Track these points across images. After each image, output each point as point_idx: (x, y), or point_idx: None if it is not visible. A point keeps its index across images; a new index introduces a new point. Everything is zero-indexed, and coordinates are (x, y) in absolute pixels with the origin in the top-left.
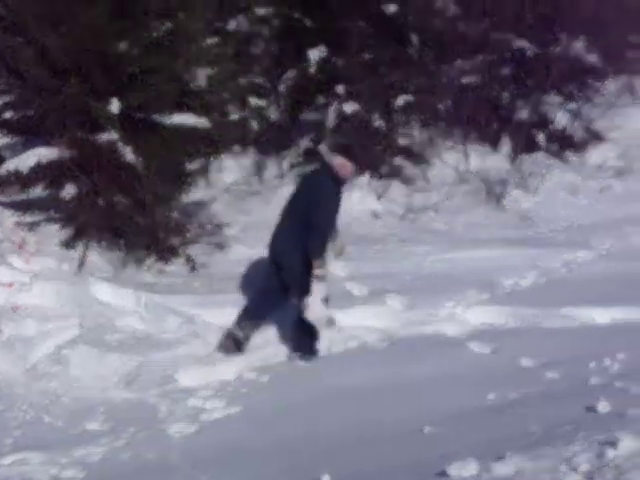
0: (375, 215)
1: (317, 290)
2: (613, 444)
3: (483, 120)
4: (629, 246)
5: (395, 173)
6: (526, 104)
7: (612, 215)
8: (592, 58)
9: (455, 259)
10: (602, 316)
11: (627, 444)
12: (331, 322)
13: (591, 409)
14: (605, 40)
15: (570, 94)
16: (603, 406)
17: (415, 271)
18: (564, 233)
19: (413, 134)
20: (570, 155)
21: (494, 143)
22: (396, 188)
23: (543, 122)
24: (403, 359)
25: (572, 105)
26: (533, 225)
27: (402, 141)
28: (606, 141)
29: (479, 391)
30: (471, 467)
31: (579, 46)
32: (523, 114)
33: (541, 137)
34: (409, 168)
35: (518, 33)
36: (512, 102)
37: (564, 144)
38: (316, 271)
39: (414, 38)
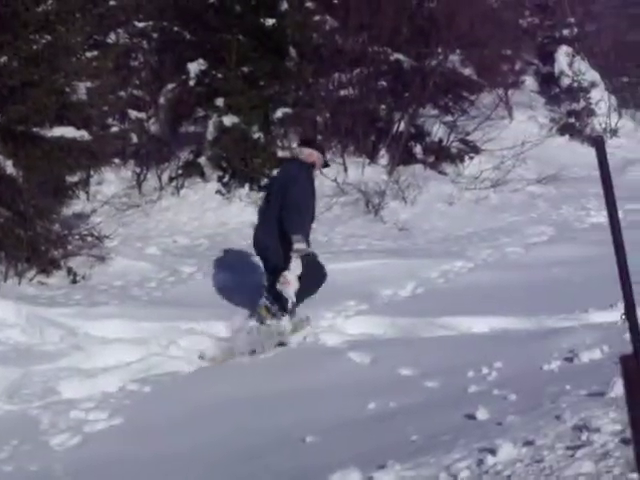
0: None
1: (295, 265)
2: (492, 451)
3: (361, 132)
4: (505, 256)
5: None
6: (403, 117)
7: (488, 225)
8: (467, 71)
9: (334, 270)
10: (479, 325)
11: (506, 451)
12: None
13: (470, 417)
14: (480, 54)
15: (446, 107)
16: (482, 414)
17: None
18: (441, 244)
19: (292, 146)
20: (446, 167)
21: (372, 155)
22: None
23: (420, 134)
24: (284, 369)
25: (448, 117)
26: (411, 236)
27: (281, 153)
28: (481, 153)
29: (360, 401)
30: (353, 476)
31: (455, 59)
32: (400, 126)
33: (418, 149)
34: None
35: (395, 46)
36: (389, 115)
37: (440, 156)
38: (295, 245)
39: (292, 51)
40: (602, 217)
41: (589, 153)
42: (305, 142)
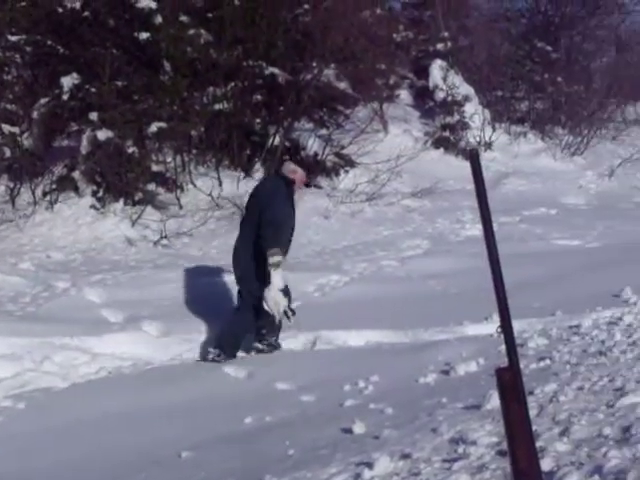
0: (129, 241)
1: (275, 280)
2: (369, 465)
3: (236, 146)
4: (380, 269)
5: (149, 199)
6: (278, 130)
7: (363, 239)
8: (342, 85)
9: (210, 284)
10: (355, 339)
11: (383, 464)
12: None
13: (347, 431)
14: (355, 68)
15: (321, 120)
16: (359, 427)
17: (171, 297)
18: (317, 258)
19: (166, 160)
20: (322, 180)
21: (247, 169)
22: (150, 214)
23: (295, 148)
24: (159, 384)
25: (323, 131)
26: None
27: (155, 167)
28: (357, 166)
29: (236, 415)
30: None
31: (330, 73)
32: (275, 140)
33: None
34: (163, 194)
35: (270, 60)
36: (264, 128)
37: (316, 170)
38: (270, 259)
39: (167, 65)
40: (477, 230)
41: (463, 166)
42: (290, 162)
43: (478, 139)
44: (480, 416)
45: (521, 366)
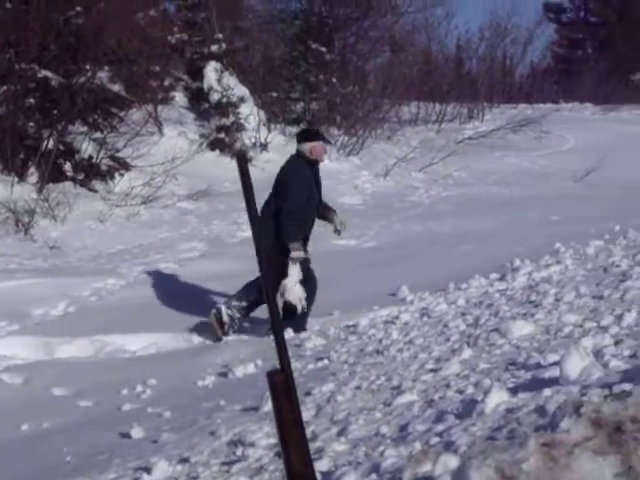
0: None
1: (293, 272)
2: (148, 470)
3: (9, 150)
4: (158, 272)
5: None
6: (52, 134)
7: (139, 242)
8: (116, 88)
9: None
10: (133, 343)
11: (161, 469)
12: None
13: (125, 435)
14: (129, 70)
15: (95, 123)
16: (137, 432)
17: None
18: (93, 261)
19: None
20: (97, 184)
21: (21, 173)
22: None
23: (69, 151)
24: None
25: (98, 134)
26: (62, 254)
27: None
28: (132, 169)
29: (12, 422)
30: None
31: (103, 76)
32: (49, 144)
33: (68, 166)
34: None
35: (43, 63)
36: (38, 132)
37: (90, 173)
38: (292, 253)
39: None
40: None
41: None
42: (304, 137)
43: (253, 140)
44: (258, 418)
45: (299, 366)
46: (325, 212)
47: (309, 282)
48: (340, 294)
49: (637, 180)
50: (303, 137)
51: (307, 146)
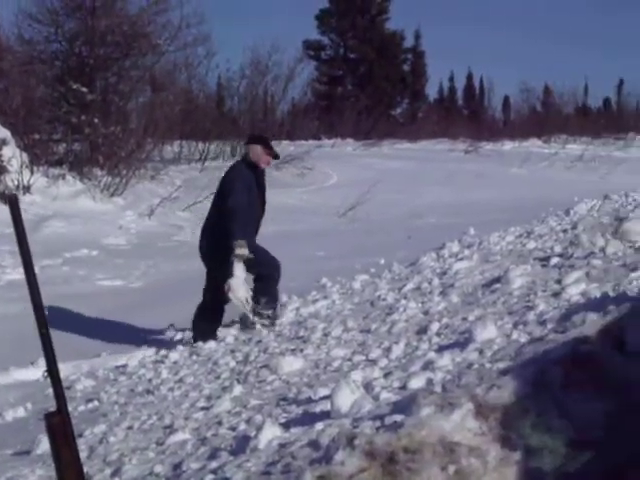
0: None
1: (238, 271)
2: None
3: None
4: None
5: None
6: None
7: None
8: None
9: None
10: None
11: None
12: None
13: None
14: None
15: None
16: None
17: None
18: None
19: None
20: None
21: None
22: None
23: None
24: None
25: None
26: None
27: None
28: None
29: None
30: None
31: None
32: None
33: None
34: None
35: None
36: None
37: None
38: (236, 251)
39: None
40: (18, 274)
41: (2, 210)
42: (247, 140)
43: (17, 183)
44: (30, 461)
45: (70, 409)
46: None
47: (265, 265)
48: (107, 335)
49: (399, 214)
50: (247, 140)
51: (247, 148)
